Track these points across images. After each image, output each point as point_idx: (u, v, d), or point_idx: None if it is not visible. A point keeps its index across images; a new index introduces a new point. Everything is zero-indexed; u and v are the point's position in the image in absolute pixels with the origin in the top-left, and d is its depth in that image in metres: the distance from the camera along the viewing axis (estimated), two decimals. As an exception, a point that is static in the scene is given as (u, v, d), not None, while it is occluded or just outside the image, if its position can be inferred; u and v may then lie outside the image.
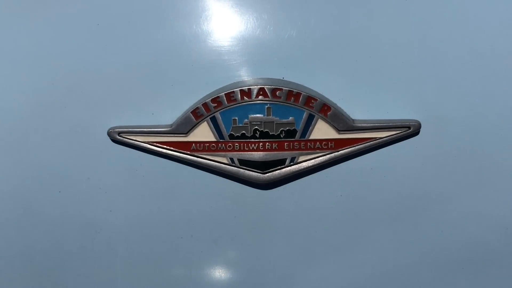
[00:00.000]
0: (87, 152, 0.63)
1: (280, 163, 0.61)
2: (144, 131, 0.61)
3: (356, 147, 0.61)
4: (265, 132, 0.60)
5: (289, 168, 0.62)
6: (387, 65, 0.60)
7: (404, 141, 0.62)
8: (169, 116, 0.61)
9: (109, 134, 0.61)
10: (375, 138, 0.61)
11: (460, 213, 0.65)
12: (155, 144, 0.61)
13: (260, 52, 0.60)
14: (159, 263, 0.69)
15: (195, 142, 0.61)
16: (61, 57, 0.61)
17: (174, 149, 0.61)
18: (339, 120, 0.60)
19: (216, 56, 0.60)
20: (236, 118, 0.60)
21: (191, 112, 0.60)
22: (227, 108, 0.59)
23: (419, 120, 0.60)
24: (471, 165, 0.63)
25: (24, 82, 0.61)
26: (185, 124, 0.60)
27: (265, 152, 0.61)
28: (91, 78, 0.61)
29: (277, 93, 0.59)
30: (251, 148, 0.61)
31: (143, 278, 0.69)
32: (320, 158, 0.61)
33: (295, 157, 0.61)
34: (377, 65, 0.60)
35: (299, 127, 0.60)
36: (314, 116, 0.60)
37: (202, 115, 0.60)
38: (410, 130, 0.60)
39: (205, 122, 0.60)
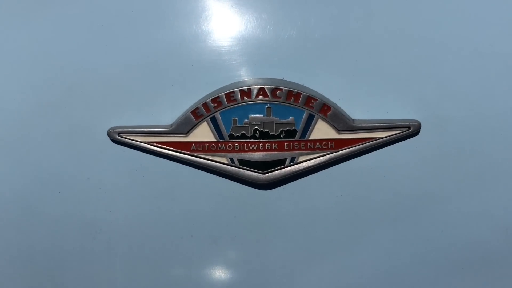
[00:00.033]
0: (87, 152, 0.63)
1: (280, 163, 0.61)
2: (144, 131, 0.61)
3: (356, 147, 0.61)
4: (265, 132, 0.60)
5: (289, 168, 0.62)
6: (387, 65, 0.60)
7: (404, 141, 0.62)
8: (169, 116, 0.61)
9: (109, 134, 0.61)
10: (375, 138, 0.61)
11: (460, 213, 0.65)
12: (155, 144, 0.61)
13: (260, 52, 0.60)
14: (159, 263, 0.69)
15: (195, 142, 0.61)
16: (61, 57, 0.61)
17: (174, 149, 0.61)
18: (339, 120, 0.60)
19: (216, 56, 0.60)
20: (236, 118, 0.60)
21: (191, 112, 0.60)
22: (227, 108, 0.59)
23: (419, 120, 0.60)
24: (471, 165, 0.63)
25: (24, 82, 0.61)
26: (185, 124, 0.60)
27: (265, 152, 0.61)
28: (91, 78, 0.61)
29: (277, 93, 0.59)
30: (251, 148, 0.61)
31: (143, 278, 0.69)
32: (320, 158, 0.61)
33: (295, 157, 0.61)
34: (377, 65, 0.60)
35: (299, 127, 0.60)
36: (314, 116, 0.60)
37: (202, 115, 0.60)
38: (410, 130, 0.60)
39: (205, 122, 0.60)
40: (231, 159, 0.61)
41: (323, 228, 0.67)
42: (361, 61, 0.60)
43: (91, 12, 0.60)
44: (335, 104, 0.61)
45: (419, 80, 0.60)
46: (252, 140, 0.60)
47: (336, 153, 0.61)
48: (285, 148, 0.61)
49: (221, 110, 0.59)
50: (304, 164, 0.61)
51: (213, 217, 0.66)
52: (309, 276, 0.69)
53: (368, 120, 0.61)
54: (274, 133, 0.60)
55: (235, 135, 0.60)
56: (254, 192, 0.65)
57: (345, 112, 0.61)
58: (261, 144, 0.61)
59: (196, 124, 0.60)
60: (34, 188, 0.65)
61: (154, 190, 0.65)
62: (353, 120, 0.61)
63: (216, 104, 0.59)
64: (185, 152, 0.61)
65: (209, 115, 0.60)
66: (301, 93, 0.59)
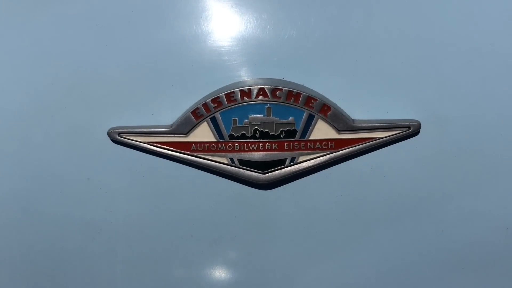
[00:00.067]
0: (87, 152, 0.63)
1: (280, 163, 0.61)
2: (144, 131, 0.61)
3: (356, 147, 0.61)
4: (265, 132, 0.60)
5: (289, 168, 0.62)
6: (387, 65, 0.60)
7: (404, 141, 0.62)
8: (169, 116, 0.61)
9: (109, 134, 0.61)
10: (375, 138, 0.61)
11: (460, 213, 0.65)
12: (155, 144, 0.61)
13: (260, 52, 0.60)
14: (159, 263, 0.69)
15: (195, 142, 0.61)
16: (61, 57, 0.61)
17: (174, 149, 0.61)
18: (339, 120, 0.60)
19: (216, 56, 0.60)
20: (236, 118, 0.60)
21: (191, 112, 0.60)
22: (227, 108, 0.59)
23: (419, 120, 0.60)
24: (471, 165, 0.63)
25: (24, 82, 0.61)
26: (185, 124, 0.60)
27: (265, 152, 0.61)
28: (91, 78, 0.61)
29: (277, 93, 0.59)
30: (251, 148, 0.61)
31: (143, 278, 0.69)
32: (320, 158, 0.61)
33: (295, 157, 0.61)
34: (377, 65, 0.60)
35: (299, 127, 0.60)
36: (314, 116, 0.60)
37: (202, 115, 0.60)
38: (410, 130, 0.60)
39: (205, 122, 0.60)
40: (231, 159, 0.61)
41: (323, 228, 0.67)
42: (361, 61, 0.60)
43: (91, 12, 0.60)
44: (335, 104, 0.61)
45: (419, 80, 0.60)
46: (252, 140, 0.60)
47: (336, 153, 0.61)
48: (285, 148, 0.61)
49: (221, 110, 0.59)
50: (304, 164, 0.61)
51: (213, 217, 0.66)
52: (309, 276, 0.69)
53: (368, 120, 0.61)
54: (274, 133, 0.60)
55: (235, 135, 0.60)
56: (254, 192, 0.65)
57: (345, 112, 0.61)
58: (261, 144, 0.61)
59: (196, 124, 0.60)
60: (34, 188, 0.65)
61: (154, 190, 0.65)
62: (353, 120, 0.61)
63: (216, 104, 0.59)
64: (185, 152, 0.61)
65: (209, 115, 0.60)
66: (301, 93, 0.59)
